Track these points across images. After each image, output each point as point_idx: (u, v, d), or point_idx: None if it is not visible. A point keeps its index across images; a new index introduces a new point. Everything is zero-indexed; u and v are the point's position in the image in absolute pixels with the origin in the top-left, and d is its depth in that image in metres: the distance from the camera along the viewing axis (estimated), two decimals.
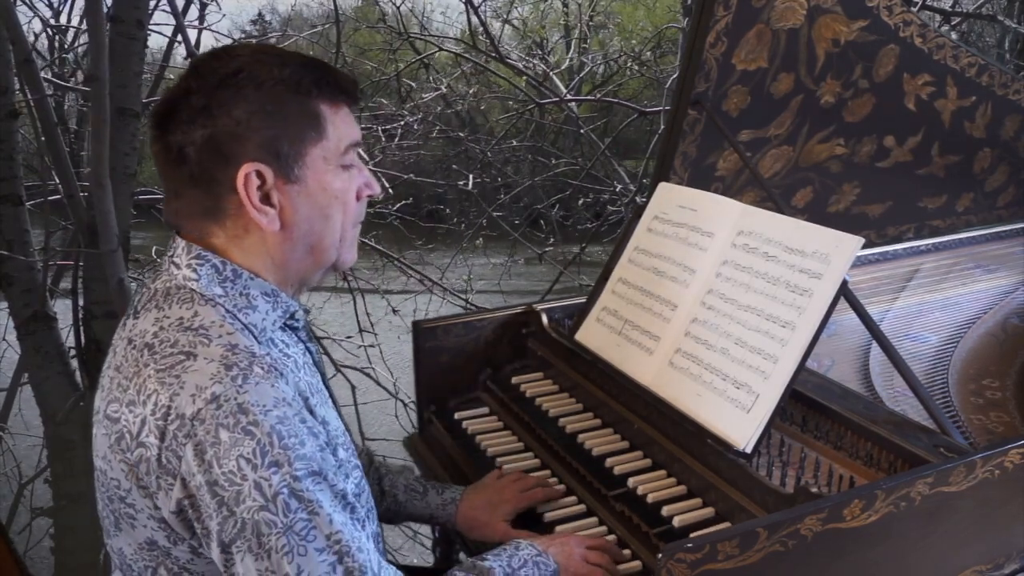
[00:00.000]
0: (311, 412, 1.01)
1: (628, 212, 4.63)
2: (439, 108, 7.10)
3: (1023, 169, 2.43)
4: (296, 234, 1.06)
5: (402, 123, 5.95)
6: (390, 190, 4.88)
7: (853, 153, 2.12)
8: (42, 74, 3.92)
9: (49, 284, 4.37)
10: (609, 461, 1.48)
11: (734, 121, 1.87)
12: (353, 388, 4.06)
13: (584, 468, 1.48)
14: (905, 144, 2.17)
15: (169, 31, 5.07)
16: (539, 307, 1.82)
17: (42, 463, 4.12)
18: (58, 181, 3.84)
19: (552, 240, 5.83)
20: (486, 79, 7.90)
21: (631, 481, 1.42)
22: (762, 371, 1.29)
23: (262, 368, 0.96)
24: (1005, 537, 1.23)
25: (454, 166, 7.24)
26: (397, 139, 5.84)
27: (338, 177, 1.08)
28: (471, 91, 7.81)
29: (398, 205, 5.22)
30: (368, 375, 4.33)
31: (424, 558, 3.07)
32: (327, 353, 3.81)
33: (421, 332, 1.74)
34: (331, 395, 1.17)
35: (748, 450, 1.25)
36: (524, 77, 6.74)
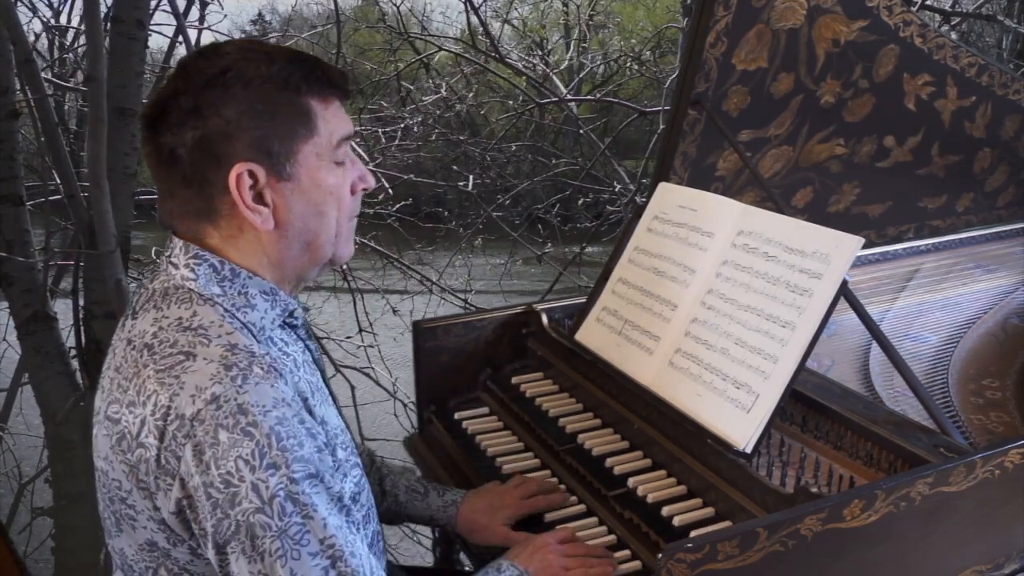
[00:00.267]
0: (310, 412, 1.01)
1: (628, 212, 4.63)
2: (439, 110, 7.10)
3: (1023, 169, 2.43)
4: (291, 232, 1.06)
5: (402, 125, 5.96)
6: (390, 191, 4.88)
7: (853, 153, 2.12)
8: (42, 74, 3.91)
9: (49, 284, 4.37)
10: (609, 461, 1.48)
11: (734, 121, 1.87)
12: (353, 388, 4.06)
13: (584, 468, 1.48)
14: (905, 144, 2.17)
15: (170, 31, 5.07)
16: (539, 307, 1.82)
17: (42, 463, 4.12)
18: (58, 181, 3.85)
19: (550, 245, 5.82)
20: (486, 79, 7.90)
21: (631, 481, 1.42)
22: (762, 371, 1.29)
23: (262, 368, 0.96)
24: (1005, 537, 1.23)
25: (454, 167, 7.24)
26: (397, 140, 5.84)
27: (332, 173, 1.07)
28: (471, 94, 7.81)
29: (398, 206, 5.21)
30: (368, 375, 4.33)
31: (424, 558, 3.07)
32: (327, 353, 3.81)
33: (421, 332, 1.74)
34: (331, 393, 1.17)
35: (748, 450, 1.25)
36: (524, 77, 6.74)
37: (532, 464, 1.56)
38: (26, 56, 3.52)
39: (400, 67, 6.96)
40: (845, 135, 2.07)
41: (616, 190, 5.59)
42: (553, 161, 7.10)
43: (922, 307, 2.08)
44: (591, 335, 1.63)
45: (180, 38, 4.07)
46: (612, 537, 1.34)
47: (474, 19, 5.42)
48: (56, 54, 6.26)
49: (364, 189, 1.13)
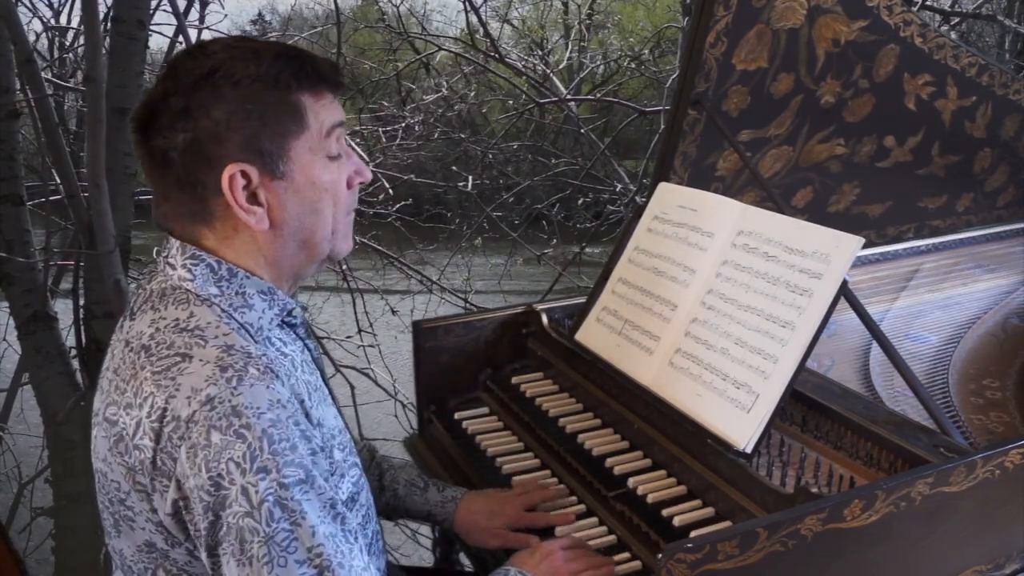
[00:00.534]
0: (306, 414, 1.00)
1: (628, 212, 4.63)
2: (440, 110, 7.10)
3: (1023, 169, 2.43)
4: (287, 231, 1.05)
5: (403, 124, 5.95)
6: (390, 191, 4.88)
7: (853, 153, 2.12)
8: (42, 74, 3.92)
9: (50, 284, 4.37)
10: (609, 461, 1.48)
11: (734, 121, 1.87)
12: (352, 388, 4.06)
13: (584, 468, 1.48)
14: (905, 144, 2.17)
15: (170, 31, 5.06)
16: (539, 307, 1.82)
17: (42, 463, 4.12)
18: (58, 181, 3.85)
19: (554, 241, 5.82)
20: (486, 79, 7.90)
21: (631, 481, 1.42)
22: (762, 371, 1.29)
23: (257, 369, 0.96)
24: (1005, 537, 1.23)
25: (453, 167, 7.24)
26: (398, 140, 5.84)
27: (326, 169, 1.06)
28: (471, 93, 7.81)
29: (398, 206, 5.21)
30: (367, 375, 4.33)
31: (424, 558, 3.07)
32: (327, 353, 3.81)
33: (421, 332, 1.74)
34: (330, 393, 1.17)
35: (748, 450, 1.25)
36: (524, 77, 6.74)
37: (532, 464, 1.56)
38: (26, 56, 3.52)
39: (400, 67, 6.96)
40: (845, 135, 2.07)
41: (616, 190, 5.59)
42: (553, 161, 7.10)
43: (922, 307, 2.08)
44: (591, 335, 1.62)
45: (180, 38, 4.07)
46: (612, 537, 1.34)
47: (474, 19, 5.43)
48: (56, 54, 6.26)
49: (361, 183, 1.12)
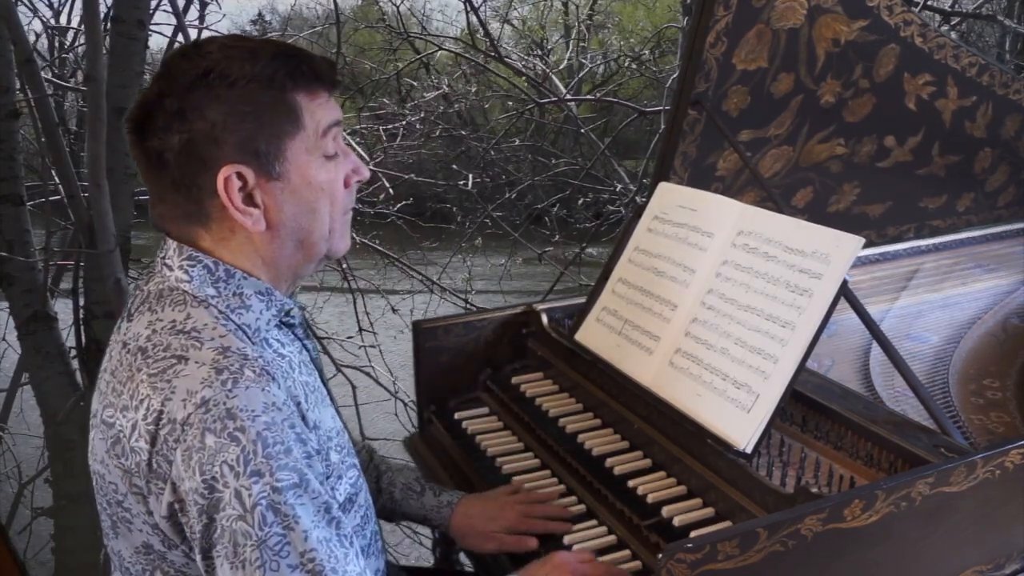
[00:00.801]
0: (303, 416, 0.99)
1: (628, 212, 4.62)
2: (440, 108, 7.10)
3: (1023, 169, 2.43)
4: (283, 232, 1.05)
5: (403, 122, 5.95)
6: (391, 190, 4.88)
7: (853, 153, 2.12)
8: (42, 74, 3.92)
9: (50, 284, 4.38)
10: (609, 461, 1.48)
11: (734, 121, 1.87)
12: (353, 388, 4.06)
13: (584, 468, 1.48)
14: (905, 144, 2.17)
15: (170, 31, 5.07)
16: (539, 307, 1.82)
17: (42, 463, 4.12)
18: (58, 181, 3.85)
19: (556, 237, 5.81)
20: (486, 79, 7.90)
21: (631, 481, 1.42)
22: (762, 371, 1.29)
23: (253, 371, 0.95)
24: (1005, 537, 1.23)
25: (454, 166, 7.25)
26: (399, 139, 5.84)
27: (323, 169, 1.05)
28: (472, 90, 7.81)
29: (399, 206, 5.22)
30: (368, 375, 4.33)
31: (424, 558, 3.07)
32: (327, 352, 3.81)
33: (421, 332, 1.74)
34: (329, 393, 1.16)
35: (748, 450, 1.25)
36: (524, 77, 6.74)
37: (532, 464, 1.56)
38: (26, 56, 3.53)
39: (400, 67, 6.97)
40: (845, 135, 2.07)
41: (616, 190, 5.59)
42: (553, 161, 7.10)
43: (922, 307, 2.08)
44: (591, 335, 1.62)
45: (180, 38, 4.07)
46: (612, 537, 1.34)
47: (474, 19, 5.42)
48: (56, 54, 6.26)
49: (359, 182, 1.11)
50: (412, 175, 5.60)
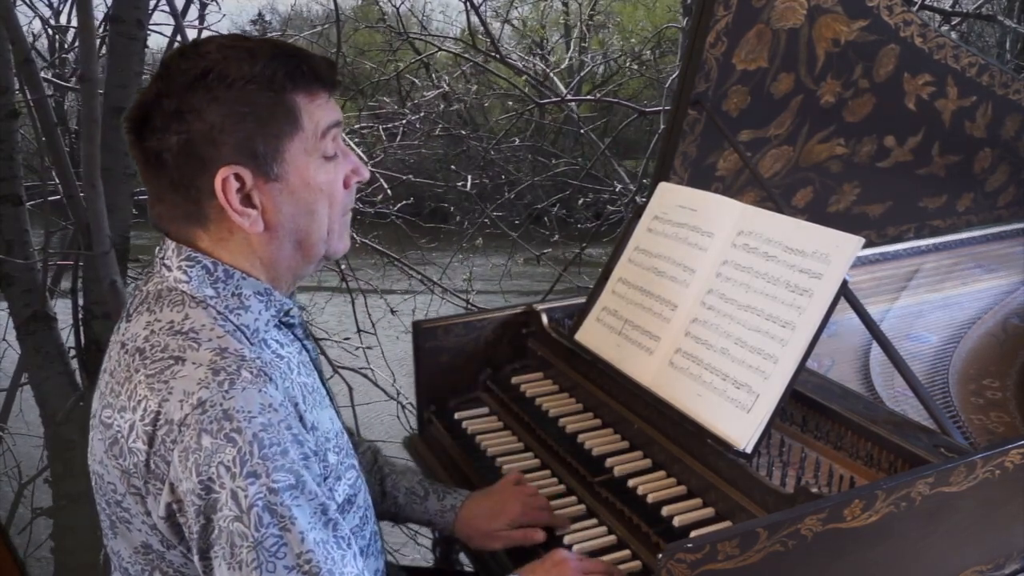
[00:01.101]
0: (300, 418, 0.99)
1: (628, 212, 4.62)
2: (440, 107, 7.10)
3: (1023, 169, 2.43)
4: (281, 233, 1.04)
5: (403, 121, 5.95)
6: (389, 191, 4.88)
7: (853, 153, 2.12)
8: (42, 74, 3.92)
9: (49, 284, 4.38)
10: (609, 461, 1.48)
11: (734, 121, 1.86)
12: (351, 389, 4.06)
13: (584, 468, 1.48)
14: (905, 144, 2.17)
15: (169, 31, 5.07)
16: (539, 307, 1.82)
17: (42, 463, 4.12)
18: (58, 181, 3.85)
19: (556, 237, 5.81)
20: (486, 79, 7.91)
21: (631, 481, 1.42)
22: (762, 371, 1.29)
23: (251, 372, 0.95)
24: (1005, 537, 1.23)
25: (452, 167, 7.25)
26: (399, 138, 5.84)
27: (321, 170, 1.05)
28: (472, 88, 7.81)
29: (399, 205, 5.21)
30: (366, 376, 4.33)
31: (424, 558, 3.07)
32: (324, 353, 3.81)
33: (421, 332, 1.74)
34: (328, 394, 1.16)
35: (748, 450, 1.25)
36: (524, 77, 6.74)
37: (532, 464, 1.56)
38: (25, 56, 3.53)
39: (400, 67, 6.97)
40: (845, 135, 2.07)
41: (616, 190, 5.59)
42: (553, 161, 7.10)
43: (922, 307, 2.08)
44: (591, 335, 1.62)
45: (179, 38, 4.07)
46: (612, 537, 1.34)
47: (474, 19, 5.43)
48: (56, 54, 6.26)
49: (359, 182, 1.11)
50: (411, 176, 5.60)
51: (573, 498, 1.44)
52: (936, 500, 1.13)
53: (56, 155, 3.67)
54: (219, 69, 0.98)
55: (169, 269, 1.04)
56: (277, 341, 1.07)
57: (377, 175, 4.60)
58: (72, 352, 4.23)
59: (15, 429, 4.42)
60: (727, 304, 1.40)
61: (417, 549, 3.20)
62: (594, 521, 1.38)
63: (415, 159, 6.93)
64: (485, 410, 1.75)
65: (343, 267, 4.38)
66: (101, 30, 4.48)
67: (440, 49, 6.83)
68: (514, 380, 1.78)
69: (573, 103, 5.85)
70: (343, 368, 4.14)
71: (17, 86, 3.90)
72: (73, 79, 5.71)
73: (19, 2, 4.92)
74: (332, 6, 5.21)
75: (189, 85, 0.98)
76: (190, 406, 0.92)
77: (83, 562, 3.39)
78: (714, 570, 1.00)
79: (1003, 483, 1.18)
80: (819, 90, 1.92)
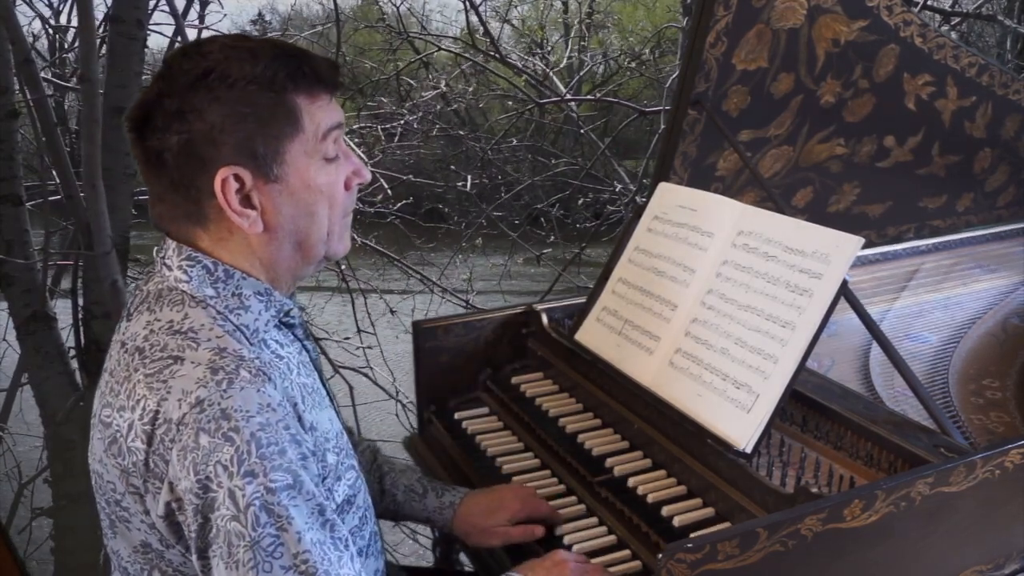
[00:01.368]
0: (299, 418, 0.99)
1: (628, 212, 4.63)
2: (439, 107, 7.10)
3: (1023, 169, 2.43)
4: (281, 234, 1.04)
5: (402, 121, 5.95)
6: (389, 191, 4.88)
7: (853, 153, 2.12)
8: (42, 74, 3.92)
9: (49, 284, 4.38)
10: (609, 461, 1.48)
11: (734, 121, 1.87)
12: (351, 388, 4.06)
13: (584, 468, 1.48)
14: (905, 144, 2.17)
15: (169, 31, 5.07)
16: (539, 307, 1.82)
17: (42, 463, 4.13)
18: (58, 181, 3.85)
19: (552, 238, 5.81)
20: (486, 79, 7.90)
21: (631, 481, 1.42)
22: (762, 371, 1.29)
23: (249, 372, 0.95)
24: (1005, 537, 1.23)
25: (452, 167, 7.25)
26: (397, 138, 5.84)
27: (322, 171, 1.04)
28: (471, 88, 7.81)
29: (398, 205, 5.21)
30: (367, 375, 4.33)
31: (424, 558, 3.07)
32: (324, 353, 3.81)
33: (421, 332, 1.74)
34: (328, 394, 1.16)
35: (748, 450, 1.25)
36: (524, 77, 6.74)
37: (532, 464, 1.56)
38: (25, 56, 3.53)
39: (400, 66, 6.96)
40: (845, 135, 2.07)
41: (616, 190, 5.59)
42: (553, 161, 7.10)
43: (922, 307, 2.08)
44: (591, 335, 1.62)
45: (179, 38, 4.07)
46: (612, 537, 1.34)
47: (473, 18, 5.43)
48: (56, 54, 6.26)
49: (359, 184, 1.11)
50: (410, 176, 5.60)
51: (573, 498, 1.44)
52: (936, 500, 1.13)
53: (56, 155, 3.67)
54: (221, 69, 0.98)
55: (169, 269, 1.04)
56: (277, 341, 1.07)
57: (377, 175, 4.60)
58: (72, 352, 4.23)
59: (15, 429, 4.42)
60: (727, 304, 1.40)
61: (417, 549, 3.20)
62: (594, 521, 1.38)
63: (414, 159, 6.93)
64: (485, 410, 1.75)
65: (343, 267, 4.38)
66: (101, 30, 4.48)
67: (440, 48, 6.83)
68: (514, 380, 1.78)
69: (573, 103, 5.85)
70: (343, 368, 4.14)
71: (17, 86, 3.89)
72: (73, 79, 5.71)
73: (19, 2, 4.92)
74: (332, 6, 5.21)
75: (191, 85, 0.98)
76: (188, 405, 0.92)
77: (83, 562, 3.39)
78: (714, 570, 1.00)
79: (1003, 483, 1.18)
80: (819, 90, 1.92)
